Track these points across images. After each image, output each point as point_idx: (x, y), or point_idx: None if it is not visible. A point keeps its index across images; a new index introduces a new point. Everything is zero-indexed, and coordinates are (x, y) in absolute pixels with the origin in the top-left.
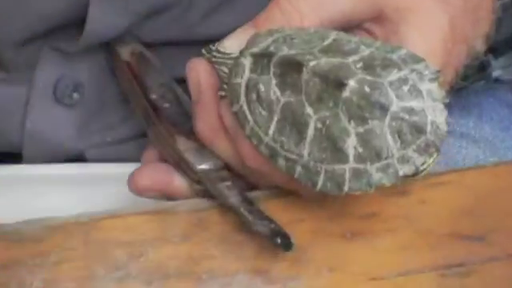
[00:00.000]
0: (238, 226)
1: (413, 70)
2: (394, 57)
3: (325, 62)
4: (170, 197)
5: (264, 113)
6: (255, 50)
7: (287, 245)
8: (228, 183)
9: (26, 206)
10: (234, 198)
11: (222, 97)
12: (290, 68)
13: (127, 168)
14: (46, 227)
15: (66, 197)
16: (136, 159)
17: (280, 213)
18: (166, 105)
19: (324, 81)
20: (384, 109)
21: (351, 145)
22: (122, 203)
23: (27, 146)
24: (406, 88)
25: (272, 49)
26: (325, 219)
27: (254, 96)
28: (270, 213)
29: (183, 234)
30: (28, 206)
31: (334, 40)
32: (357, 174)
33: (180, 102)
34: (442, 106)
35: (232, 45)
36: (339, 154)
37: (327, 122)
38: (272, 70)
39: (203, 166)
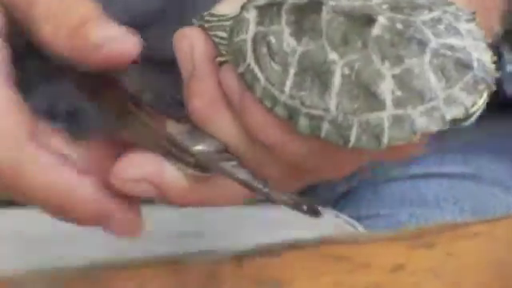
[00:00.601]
0: (253, 278)
1: (445, 11)
2: (421, 1)
3: (345, 3)
4: (159, 194)
5: (277, 67)
6: (259, 1)
7: (314, 211)
8: (234, 163)
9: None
10: (244, 175)
11: (220, 63)
12: (306, 11)
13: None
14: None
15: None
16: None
17: (299, 264)
18: (148, 95)
19: (349, 19)
20: (422, 45)
21: (387, 89)
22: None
23: None
24: (441, 27)
25: None
26: (347, 272)
27: (263, 50)
28: (288, 266)
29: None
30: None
31: None
32: (397, 120)
33: (161, 93)
34: (484, 45)
35: (227, 7)
36: (374, 101)
37: (356, 66)
38: (284, 18)
39: (201, 147)
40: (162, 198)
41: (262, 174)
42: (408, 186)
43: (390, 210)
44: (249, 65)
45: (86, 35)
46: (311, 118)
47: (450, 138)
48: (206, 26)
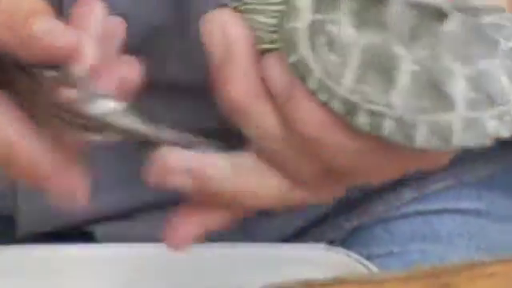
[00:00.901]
0: None
1: (501, 17)
2: (475, 3)
3: None
4: (199, 185)
5: (336, 59)
6: None
7: (231, 145)
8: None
9: None
10: (167, 132)
11: (263, 51)
12: (372, 1)
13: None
14: None
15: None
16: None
17: None
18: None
19: (420, 12)
20: (493, 45)
21: (459, 89)
22: None
23: (21, 211)
24: (506, 31)
25: None
26: None
27: (322, 40)
28: None
29: None
30: None
31: None
32: (469, 123)
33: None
34: None
35: None
36: (444, 101)
37: (425, 62)
38: (344, 6)
39: (97, 108)
40: (199, 189)
41: (292, 173)
42: (420, 222)
43: (403, 248)
44: (302, 55)
45: (29, 26)
46: (372, 114)
47: (465, 172)
48: (243, 8)
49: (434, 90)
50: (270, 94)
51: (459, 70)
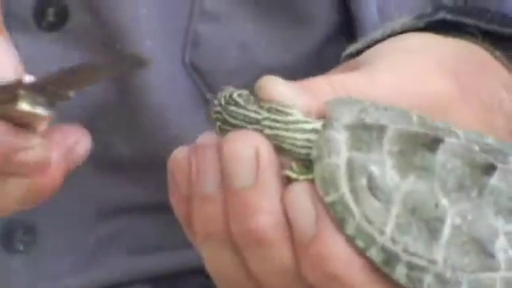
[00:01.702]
0: None
1: None
2: (490, 141)
3: (461, 142)
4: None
5: (378, 204)
6: (346, 121)
7: (140, 62)
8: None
9: None
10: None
11: (289, 179)
12: (418, 145)
13: None
14: None
15: None
16: None
17: None
18: None
19: (468, 163)
20: None
21: (501, 247)
22: None
23: None
24: None
25: (375, 120)
26: None
27: (363, 181)
28: None
29: None
30: None
31: (419, 116)
32: (510, 285)
33: None
34: None
35: (287, 94)
36: (487, 260)
37: (469, 216)
38: (386, 147)
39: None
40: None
41: None
42: None
43: None
44: (343, 196)
45: None
46: (412, 267)
47: None
48: (269, 132)
49: (478, 247)
50: (289, 224)
51: (501, 226)
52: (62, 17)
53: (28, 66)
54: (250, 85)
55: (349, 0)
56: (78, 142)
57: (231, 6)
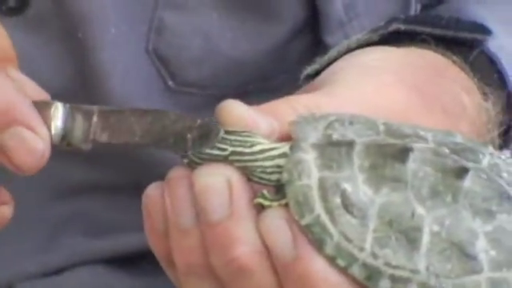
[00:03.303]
0: None
1: (490, 153)
2: (459, 139)
3: (429, 149)
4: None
5: (354, 221)
6: (313, 140)
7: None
8: None
9: None
10: None
11: (262, 206)
12: (388, 157)
13: None
14: None
15: None
16: None
17: None
18: None
19: (439, 169)
20: (509, 199)
21: (481, 249)
22: None
23: None
24: (505, 174)
25: (342, 136)
26: None
27: (337, 200)
28: None
29: None
30: None
31: (385, 124)
32: (494, 284)
33: None
34: None
35: (248, 118)
36: (470, 263)
37: (446, 222)
38: (356, 162)
39: None
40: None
41: None
42: None
43: None
44: (318, 216)
45: None
46: (395, 280)
47: None
48: (238, 165)
49: (458, 252)
50: (267, 251)
51: (480, 227)
52: (23, 2)
53: None
54: (213, 75)
55: None
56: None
57: None
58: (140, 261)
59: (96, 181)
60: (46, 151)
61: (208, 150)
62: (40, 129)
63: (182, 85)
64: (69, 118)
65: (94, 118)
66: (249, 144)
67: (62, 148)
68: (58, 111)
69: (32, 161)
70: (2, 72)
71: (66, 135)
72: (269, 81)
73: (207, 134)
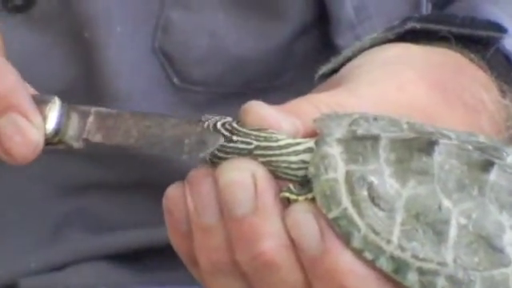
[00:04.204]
0: None
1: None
2: (481, 139)
3: (456, 143)
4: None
5: (382, 214)
6: (338, 135)
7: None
8: None
9: None
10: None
11: (289, 200)
12: (414, 150)
13: None
14: None
15: None
16: None
17: None
18: None
19: (466, 162)
20: None
21: (508, 241)
22: None
23: None
24: None
25: (367, 131)
26: None
27: (363, 193)
28: None
29: None
30: None
31: (408, 123)
32: None
33: None
34: None
35: (273, 118)
36: (497, 256)
37: (473, 215)
38: (382, 156)
39: None
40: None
41: None
42: None
43: None
44: (345, 209)
45: None
46: (423, 272)
47: None
48: (263, 160)
49: (486, 245)
50: (294, 245)
51: (507, 221)
52: (29, 1)
53: None
54: (219, 73)
55: None
56: None
57: None
58: (143, 257)
59: (100, 178)
60: (40, 142)
61: (232, 144)
62: (35, 118)
63: (188, 83)
64: (64, 115)
65: (90, 118)
66: (274, 138)
67: (54, 143)
68: (55, 106)
69: (26, 150)
70: (3, 57)
71: (58, 131)
72: (274, 79)
73: (205, 141)
